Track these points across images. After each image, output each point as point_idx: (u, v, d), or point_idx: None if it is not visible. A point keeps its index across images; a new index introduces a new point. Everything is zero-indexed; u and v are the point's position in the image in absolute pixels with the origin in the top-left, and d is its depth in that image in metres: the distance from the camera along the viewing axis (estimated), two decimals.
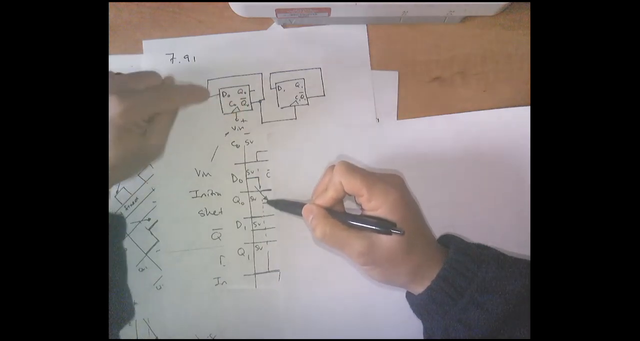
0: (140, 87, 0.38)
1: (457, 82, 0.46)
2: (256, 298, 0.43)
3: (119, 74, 0.41)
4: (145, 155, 0.40)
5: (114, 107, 0.35)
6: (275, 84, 0.46)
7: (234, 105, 0.46)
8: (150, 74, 0.41)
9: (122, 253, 0.43)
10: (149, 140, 0.39)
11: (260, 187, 0.44)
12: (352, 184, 0.35)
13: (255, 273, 0.44)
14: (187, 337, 0.43)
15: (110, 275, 0.40)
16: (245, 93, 0.46)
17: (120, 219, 0.43)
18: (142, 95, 0.38)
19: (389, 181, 0.37)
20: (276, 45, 0.46)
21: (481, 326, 0.34)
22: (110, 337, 0.39)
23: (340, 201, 0.38)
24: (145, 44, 0.46)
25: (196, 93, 0.43)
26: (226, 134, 0.45)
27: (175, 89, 0.42)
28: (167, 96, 0.40)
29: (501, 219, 0.43)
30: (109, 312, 0.39)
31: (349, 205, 0.40)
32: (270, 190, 0.44)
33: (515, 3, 0.45)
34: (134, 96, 0.37)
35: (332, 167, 0.37)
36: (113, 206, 0.44)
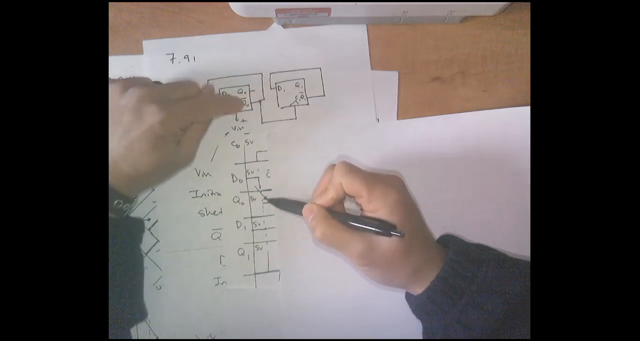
0: (179, 96, 0.40)
1: (457, 82, 0.46)
2: (256, 298, 0.43)
3: (157, 82, 0.42)
4: (177, 163, 0.41)
5: (154, 116, 0.36)
6: (275, 84, 0.46)
7: None
8: (188, 83, 0.42)
9: (140, 255, 0.43)
10: (182, 149, 0.40)
11: (260, 187, 0.44)
12: (352, 185, 0.35)
13: (255, 273, 0.44)
14: (187, 337, 0.43)
15: (129, 276, 0.40)
16: (245, 93, 0.46)
17: (140, 222, 0.43)
18: (180, 104, 0.39)
19: (388, 182, 0.36)
20: (276, 45, 0.46)
21: (481, 326, 0.34)
22: (122, 335, 0.39)
23: (340, 201, 0.38)
24: (145, 44, 0.46)
25: (231, 104, 0.45)
26: (226, 134, 0.45)
27: (212, 99, 0.43)
28: (205, 106, 0.41)
29: (501, 219, 0.43)
30: (124, 311, 0.39)
31: (348, 206, 0.40)
32: (270, 190, 0.44)
33: (515, 3, 0.45)
34: (173, 105, 0.38)
35: (333, 166, 0.37)
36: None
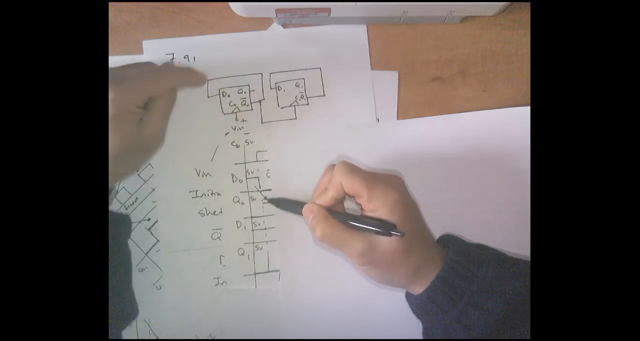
0: (133, 75, 0.37)
1: (457, 82, 0.46)
2: (256, 298, 0.43)
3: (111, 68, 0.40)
4: (144, 145, 0.39)
5: None
6: (275, 84, 0.46)
7: (234, 105, 0.46)
8: (145, 63, 0.40)
9: (127, 252, 0.43)
10: (146, 128, 0.38)
11: (260, 187, 0.44)
12: (352, 185, 0.35)
13: (255, 273, 0.44)
14: (187, 337, 0.43)
15: (116, 274, 0.40)
16: (245, 93, 0.46)
17: (126, 218, 0.43)
18: (131, 80, 0.37)
19: (388, 182, 0.36)
20: (276, 45, 0.46)
21: (481, 326, 0.34)
22: (114, 336, 0.39)
23: (340, 201, 0.38)
24: (145, 44, 0.46)
25: (190, 76, 0.42)
26: (226, 134, 0.45)
27: (166, 71, 0.40)
28: (157, 77, 0.39)
29: (501, 219, 0.43)
30: (114, 311, 0.39)
31: (348, 205, 0.40)
32: (270, 190, 0.44)
33: (515, 3, 0.45)
34: (123, 82, 0.36)
35: (332, 166, 0.37)
36: (113, 206, 0.44)
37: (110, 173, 0.38)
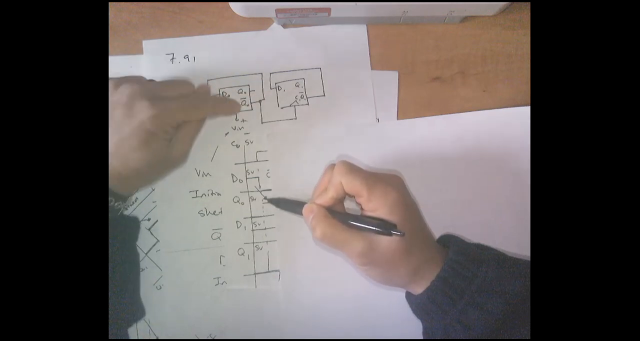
0: (172, 94, 0.40)
1: (457, 82, 0.46)
2: (256, 298, 0.43)
3: (152, 80, 0.42)
4: (169, 162, 0.41)
5: (145, 112, 0.36)
6: (275, 84, 0.46)
7: None
8: (183, 82, 0.42)
9: (136, 253, 0.43)
10: (174, 147, 0.40)
11: (260, 187, 0.44)
12: (352, 184, 0.35)
13: (255, 273, 0.44)
14: (187, 337, 0.43)
15: (126, 275, 0.40)
16: (245, 93, 0.46)
17: (135, 221, 0.43)
18: (173, 102, 0.39)
19: (388, 182, 0.36)
20: (276, 45, 0.46)
21: (481, 326, 0.34)
22: (121, 335, 0.39)
23: (340, 201, 0.38)
24: (145, 44, 0.46)
25: (227, 106, 0.44)
26: (226, 134, 0.45)
27: (206, 99, 0.43)
28: (198, 105, 0.41)
29: (501, 219, 0.43)
30: (123, 311, 0.39)
31: (348, 205, 0.40)
32: (270, 190, 0.44)
33: (515, 3, 0.45)
34: (165, 103, 0.38)
35: (332, 165, 0.37)
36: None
37: (132, 183, 0.40)
